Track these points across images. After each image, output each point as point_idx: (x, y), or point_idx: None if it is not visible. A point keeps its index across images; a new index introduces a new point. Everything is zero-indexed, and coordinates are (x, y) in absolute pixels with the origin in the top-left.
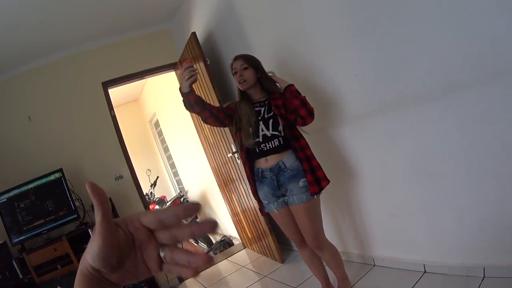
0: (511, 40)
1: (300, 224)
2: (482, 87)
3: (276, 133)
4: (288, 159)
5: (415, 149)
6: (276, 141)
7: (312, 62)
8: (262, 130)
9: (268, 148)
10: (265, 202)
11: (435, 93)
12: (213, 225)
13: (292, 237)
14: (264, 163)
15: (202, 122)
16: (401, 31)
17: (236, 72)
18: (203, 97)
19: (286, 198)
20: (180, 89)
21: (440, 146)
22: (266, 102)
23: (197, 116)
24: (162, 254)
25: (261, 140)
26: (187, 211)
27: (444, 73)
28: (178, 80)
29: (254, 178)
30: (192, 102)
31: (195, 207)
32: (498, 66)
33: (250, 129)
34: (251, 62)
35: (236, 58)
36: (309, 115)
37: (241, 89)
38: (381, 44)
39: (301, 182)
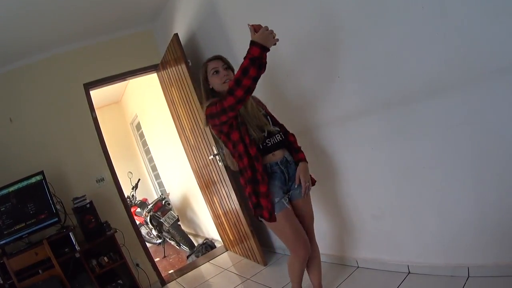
0: (494, 41)
1: (303, 216)
2: (466, 89)
3: (277, 128)
4: (288, 154)
5: (398, 150)
6: (278, 136)
7: (296, 63)
8: (266, 125)
9: (272, 143)
10: (276, 200)
11: (420, 95)
12: None
13: (302, 237)
14: (272, 158)
15: (234, 101)
16: (384, 34)
17: (217, 71)
18: (184, 99)
19: (290, 193)
20: (261, 43)
21: (423, 148)
22: None
23: (179, 111)
24: None
25: (266, 135)
26: None
27: (428, 75)
28: (255, 34)
29: (264, 170)
30: (264, 62)
31: None
32: (481, 68)
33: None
34: (230, 64)
35: (216, 57)
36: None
37: (225, 89)
38: (364, 47)
39: None
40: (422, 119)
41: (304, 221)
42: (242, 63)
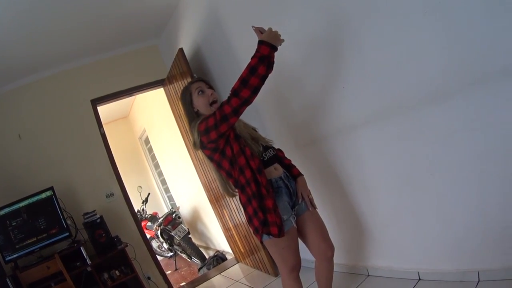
0: (496, 46)
1: (315, 230)
2: (468, 94)
3: (270, 141)
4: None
5: (402, 158)
6: (271, 150)
7: (300, 75)
8: (261, 138)
9: (268, 157)
10: (284, 217)
11: (421, 102)
12: None
13: (298, 261)
14: (275, 172)
15: (241, 101)
16: (387, 41)
17: (202, 91)
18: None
19: (295, 208)
20: (269, 42)
21: (425, 154)
22: None
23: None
24: None
25: (261, 149)
26: None
27: (431, 81)
28: (262, 34)
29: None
30: (272, 61)
31: None
32: (483, 73)
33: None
34: (212, 86)
35: (198, 80)
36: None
37: (208, 112)
38: (367, 55)
39: None
40: (424, 126)
41: (317, 230)
42: (249, 62)
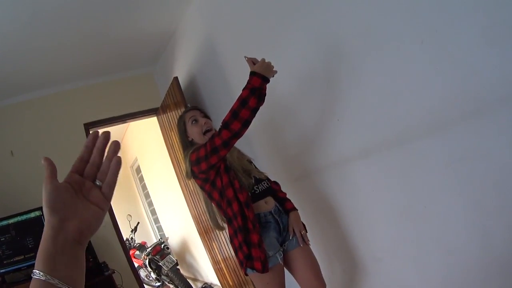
0: (494, 75)
1: (306, 266)
2: (466, 124)
3: (264, 174)
4: (276, 202)
5: (400, 189)
6: (265, 183)
7: (294, 107)
8: (253, 170)
9: (261, 190)
10: (270, 253)
11: (418, 133)
12: (116, 143)
13: (305, 286)
14: (265, 206)
15: (232, 135)
16: (383, 72)
17: (196, 120)
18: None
19: (285, 244)
20: (261, 73)
21: (426, 185)
22: None
23: (178, 156)
24: (97, 182)
25: (253, 182)
26: (92, 137)
27: (428, 111)
28: (254, 65)
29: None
30: (264, 93)
31: (95, 134)
32: (481, 102)
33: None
34: (207, 114)
35: (193, 108)
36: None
37: (202, 141)
38: (363, 86)
39: None
40: (421, 157)
41: (308, 267)
42: (241, 94)
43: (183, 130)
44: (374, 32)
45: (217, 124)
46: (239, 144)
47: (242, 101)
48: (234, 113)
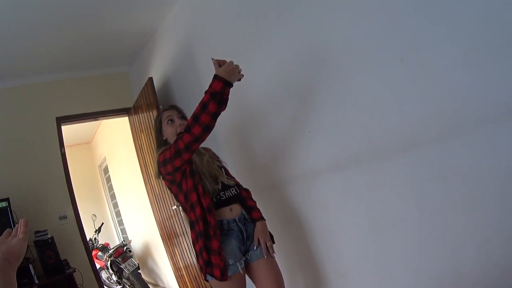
0: (472, 97)
1: (269, 278)
2: (441, 143)
3: (232, 181)
4: (243, 210)
5: (370, 206)
6: (233, 189)
7: (267, 115)
8: (221, 176)
9: (227, 196)
10: (230, 262)
11: (392, 150)
12: (25, 220)
13: None
14: (229, 213)
15: (199, 132)
16: (361, 87)
17: (172, 120)
18: (153, 147)
19: (249, 253)
20: (224, 77)
21: (396, 204)
22: None
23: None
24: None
25: (220, 188)
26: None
27: (404, 129)
28: (219, 68)
29: (217, 225)
30: (226, 98)
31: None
32: (458, 122)
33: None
34: (185, 114)
35: (171, 107)
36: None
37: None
38: (339, 100)
39: None
40: (393, 174)
41: (271, 279)
42: (202, 98)
43: (158, 128)
44: (355, 46)
45: None
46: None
47: (202, 105)
48: (195, 117)
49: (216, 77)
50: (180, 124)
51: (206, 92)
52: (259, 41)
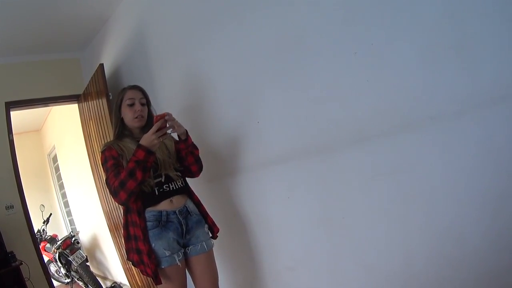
0: (426, 94)
1: (205, 276)
2: (393, 138)
3: (178, 173)
4: (189, 202)
5: (319, 199)
6: (179, 182)
7: (214, 107)
8: (165, 169)
9: (171, 188)
10: (166, 254)
11: (344, 143)
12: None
13: None
14: (170, 205)
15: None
16: (312, 79)
17: (133, 104)
18: (101, 135)
19: (189, 248)
20: (147, 146)
21: (346, 197)
22: None
23: (94, 146)
24: None
25: (163, 180)
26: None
27: (355, 122)
28: (147, 133)
29: (147, 227)
30: (149, 166)
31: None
32: (411, 118)
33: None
34: (148, 99)
35: (136, 87)
36: (199, 171)
37: (134, 125)
38: (289, 90)
39: (206, 228)
40: (344, 168)
41: (206, 277)
42: (128, 164)
43: (118, 105)
44: (309, 37)
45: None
46: None
47: (129, 172)
48: (121, 183)
49: (139, 146)
50: (139, 110)
51: (130, 160)
52: (213, 30)
